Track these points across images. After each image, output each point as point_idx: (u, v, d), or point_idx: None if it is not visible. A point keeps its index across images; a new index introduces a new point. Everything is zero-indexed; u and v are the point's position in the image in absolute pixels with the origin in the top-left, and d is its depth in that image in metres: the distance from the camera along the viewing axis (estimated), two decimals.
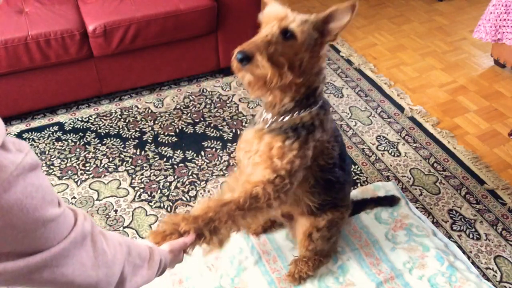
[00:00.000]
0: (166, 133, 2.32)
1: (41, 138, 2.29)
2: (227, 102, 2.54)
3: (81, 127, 2.36)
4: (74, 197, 1.97)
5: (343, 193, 1.48)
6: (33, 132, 2.32)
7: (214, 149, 2.22)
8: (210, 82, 2.70)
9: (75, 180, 2.06)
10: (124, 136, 2.30)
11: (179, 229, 1.05)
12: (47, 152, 2.20)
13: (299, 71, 1.11)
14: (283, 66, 1.06)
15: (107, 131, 2.33)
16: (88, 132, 2.33)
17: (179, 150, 2.22)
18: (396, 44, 3.13)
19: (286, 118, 1.19)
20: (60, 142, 2.26)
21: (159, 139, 2.28)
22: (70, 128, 2.35)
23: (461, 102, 2.58)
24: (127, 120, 2.41)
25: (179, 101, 2.55)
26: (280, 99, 1.18)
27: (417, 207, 1.93)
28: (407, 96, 2.61)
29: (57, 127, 2.36)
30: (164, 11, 2.28)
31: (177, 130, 2.34)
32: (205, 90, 2.63)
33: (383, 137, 2.32)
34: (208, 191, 2.00)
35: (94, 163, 2.14)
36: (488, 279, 1.67)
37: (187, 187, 2.02)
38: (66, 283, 0.72)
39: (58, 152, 2.20)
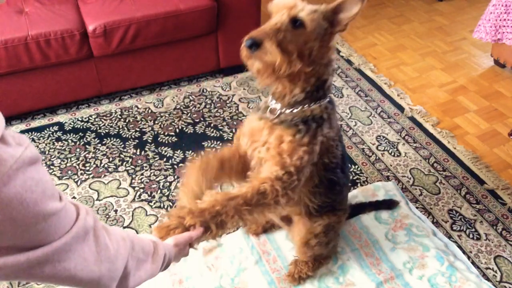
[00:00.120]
0: (166, 133, 2.32)
1: (41, 138, 2.29)
2: (227, 102, 2.54)
3: (81, 127, 2.36)
4: (74, 197, 1.97)
5: (342, 196, 1.47)
6: (33, 132, 2.32)
7: (214, 149, 2.22)
8: (210, 82, 2.70)
9: (75, 180, 2.06)
10: (124, 136, 2.30)
11: (184, 222, 1.04)
12: (47, 152, 2.20)
13: (309, 60, 1.10)
14: (292, 54, 1.05)
15: (107, 131, 2.33)
16: (88, 132, 2.33)
17: (179, 150, 2.22)
18: (396, 44, 3.13)
19: (296, 110, 1.18)
20: (60, 142, 2.26)
21: (159, 139, 2.28)
22: (70, 128, 2.35)
23: (461, 102, 2.58)
24: (127, 120, 2.41)
25: (179, 101, 2.55)
26: (290, 90, 1.16)
27: (417, 207, 1.93)
28: (407, 96, 2.61)
29: (57, 127, 2.36)
30: (164, 11, 2.28)
31: (177, 130, 2.34)
32: (205, 90, 2.63)
33: (383, 137, 2.32)
34: None
35: (94, 163, 2.14)
36: (488, 279, 1.67)
37: None
38: (68, 278, 0.72)
39: (58, 152, 2.20)
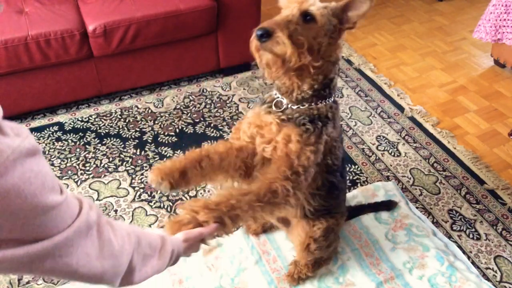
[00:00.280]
0: (166, 133, 2.32)
1: (41, 138, 2.29)
2: (227, 102, 2.54)
3: (81, 127, 2.36)
4: None
5: (338, 200, 1.46)
6: (33, 132, 2.32)
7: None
8: (210, 82, 2.70)
9: (75, 180, 2.06)
10: (124, 136, 2.30)
11: (198, 217, 1.02)
12: (47, 152, 2.20)
13: (318, 55, 1.10)
14: (303, 46, 1.05)
15: (107, 131, 2.33)
16: (88, 132, 2.33)
17: (179, 150, 2.22)
18: (396, 44, 3.13)
19: (303, 107, 1.18)
20: (60, 142, 2.26)
21: (159, 139, 2.28)
22: (70, 128, 2.35)
23: (461, 102, 2.58)
24: (127, 120, 2.41)
25: (179, 101, 2.55)
26: (298, 85, 1.16)
27: (417, 207, 1.93)
28: (407, 96, 2.61)
29: (57, 127, 2.36)
30: (164, 11, 2.28)
31: (177, 130, 2.34)
32: (205, 90, 2.64)
33: (383, 137, 2.32)
34: (208, 191, 2.00)
35: (94, 163, 2.14)
36: (488, 279, 1.67)
37: None
38: (69, 273, 0.71)
39: (58, 152, 2.20)
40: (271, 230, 1.79)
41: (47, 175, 0.63)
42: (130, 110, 2.48)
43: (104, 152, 2.20)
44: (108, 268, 0.76)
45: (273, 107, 1.21)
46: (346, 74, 2.79)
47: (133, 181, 2.05)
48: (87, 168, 2.12)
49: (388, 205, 1.85)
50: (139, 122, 2.39)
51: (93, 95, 2.49)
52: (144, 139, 2.28)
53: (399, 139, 2.30)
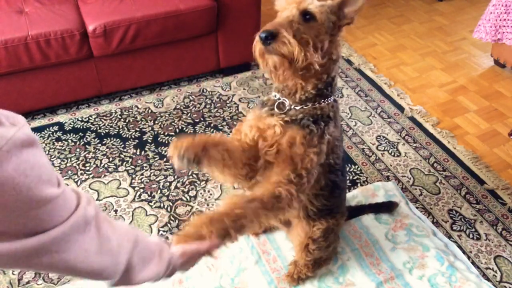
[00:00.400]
0: (166, 133, 2.32)
1: (41, 138, 2.29)
2: (227, 102, 2.54)
3: (81, 127, 2.36)
4: None
5: (340, 200, 1.46)
6: (33, 132, 2.31)
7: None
8: (210, 82, 2.70)
9: (75, 180, 2.06)
10: (124, 136, 2.30)
11: (202, 232, 1.00)
12: (47, 152, 2.20)
13: (321, 53, 1.10)
14: (308, 44, 1.04)
15: (107, 131, 2.33)
16: (88, 132, 2.33)
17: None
18: (396, 44, 3.13)
19: (306, 107, 1.17)
20: (60, 142, 2.26)
21: (159, 139, 2.28)
22: (70, 128, 2.35)
23: (461, 102, 2.58)
24: (127, 120, 2.41)
25: (179, 101, 2.55)
26: (301, 86, 1.15)
27: (417, 207, 1.93)
28: (407, 96, 2.61)
29: (57, 127, 2.36)
30: (164, 11, 2.28)
31: (177, 130, 2.34)
32: (205, 90, 2.64)
33: (383, 137, 2.32)
34: (208, 191, 2.00)
35: (94, 163, 2.14)
36: (488, 279, 1.67)
37: (187, 187, 2.02)
38: (68, 269, 0.70)
39: (58, 152, 2.20)
40: (271, 230, 1.79)
41: (43, 166, 0.61)
42: (130, 110, 2.48)
43: (104, 152, 2.20)
44: (107, 264, 0.75)
45: (276, 109, 1.20)
46: (346, 74, 2.79)
47: (133, 181, 2.05)
48: (87, 168, 2.12)
49: (389, 207, 1.84)
50: (139, 122, 2.39)
51: (93, 95, 2.49)
52: (144, 139, 2.28)
53: (399, 139, 2.30)
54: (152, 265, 0.88)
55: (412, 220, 1.80)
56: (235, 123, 2.39)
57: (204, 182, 2.04)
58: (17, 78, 2.21)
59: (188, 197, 1.97)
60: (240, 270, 1.66)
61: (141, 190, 2.01)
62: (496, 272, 1.71)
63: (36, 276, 1.67)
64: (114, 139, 2.28)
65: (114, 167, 2.12)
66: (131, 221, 1.87)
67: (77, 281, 1.62)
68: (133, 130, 2.34)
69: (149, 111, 2.47)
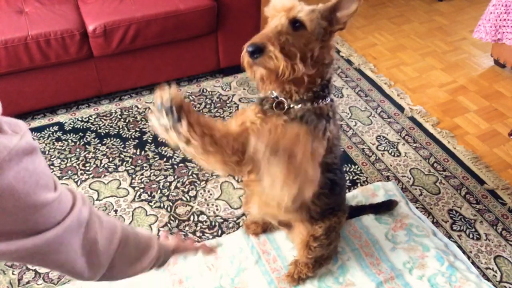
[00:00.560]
0: None
1: (41, 138, 2.29)
2: (227, 102, 2.54)
3: (81, 127, 2.36)
4: None
5: (340, 197, 1.47)
6: (33, 132, 2.32)
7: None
8: (210, 82, 2.70)
9: (75, 180, 2.06)
10: (124, 136, 2.30)
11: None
12: (47, 152, 2.20)
13: (311, 62, 1.08)
14: (295, 57, 1.02)
15: (107, 131, 2.33)
16: (88, 132, 2.33)
17: (179, 150, 2.21)
18: (396, 44, 3.13)
19: (305, 106, 1.17)
20: (60, 142, 2.26)
21: (159, 139, 2.28)
22: (70, 128, 2.35)
23: (461, 102, 2.58)
24: (127, 120, 2.41)
25: None
26: (296, 91, 1.15)
27: (417, 207, 1.93)
28: (407, 96, 2.61)
29: (57, 127, 2.36)
30: (164, 11, 2.28)
31: None
32: (205, 90, 2.64)
33: (383, 137, 2.32)
34: (208, 191, 2.00)
35: (94, 163, 2.14)
36: (488, 279, 1.67)
37: (187, 187, 2.02)
38: (56, 267, 0.72)
39: (58, 152, 2.20)
40: (271, 230, 1.79)
41: (41, 173, 0.62)
42: (130, 110, 2.48)
43: (104, 152, 2.20)
44: (89, 266, 0.76)
45: (274, 108, 1.19)
46: (346, 74, 2.79)
47: (133, 181, 2.05)
48: (87, 168, 2.12)
49: (389, 205, 1.84)
50: (139, 122, 2.39)
51: (93, 95, 2.49)
52: (144, 139, 2.28)
53: (399, 139, 2.30)
54: (136, 264, 0.90)
55: (412, 220, 1.80)
56: None
57: (204, 182, 2.04)
58: (17, 78, 2.21)
59: (188, 197, 1.97)
60: (240, 270, 1.66)
61: (141, 190, 2.00)
62: (496, 272, 1.71)
63: (36, 276, 1.67)
64: (114, 139, 2.28)
65: (114, 167, 2.12)
66: (131, 221, 1.87)
67: (77, 281, 1.62)
68: (133, 130, 2.34)
69: (149, 111, 2.47)
